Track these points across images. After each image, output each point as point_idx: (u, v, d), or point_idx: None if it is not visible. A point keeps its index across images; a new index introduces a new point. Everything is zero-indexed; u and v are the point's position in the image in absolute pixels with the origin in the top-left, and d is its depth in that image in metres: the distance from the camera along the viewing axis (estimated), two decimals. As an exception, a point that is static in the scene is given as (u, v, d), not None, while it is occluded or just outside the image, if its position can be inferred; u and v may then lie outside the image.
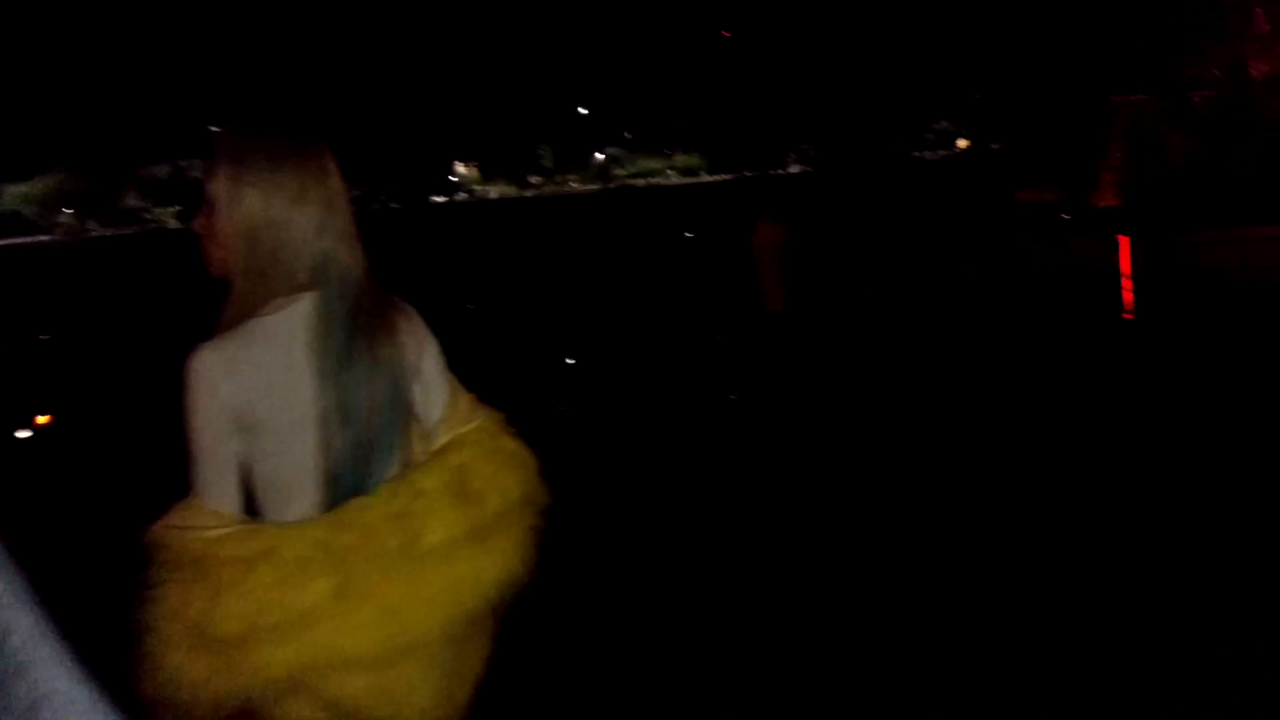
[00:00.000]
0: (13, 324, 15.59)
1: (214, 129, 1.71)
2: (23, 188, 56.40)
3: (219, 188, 1.63)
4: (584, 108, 64.02)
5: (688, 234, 25.02)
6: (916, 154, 59.10)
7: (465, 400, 1.82)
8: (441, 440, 1.78)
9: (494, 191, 77.18)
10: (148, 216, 61.47)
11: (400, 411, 1.73)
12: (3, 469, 7.55)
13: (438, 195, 61.00)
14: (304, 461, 1.65)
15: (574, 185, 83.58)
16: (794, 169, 66.44)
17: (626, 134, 72.10)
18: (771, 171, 65.05)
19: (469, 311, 13.95)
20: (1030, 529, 4.59)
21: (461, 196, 63.85)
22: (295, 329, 1.64)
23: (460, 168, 67.56)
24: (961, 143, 63.29)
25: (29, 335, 14.21)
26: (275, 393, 1.64)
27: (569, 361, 9.55)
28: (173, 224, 62.55)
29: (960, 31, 46.78)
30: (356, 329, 1.68)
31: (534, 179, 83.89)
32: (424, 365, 1.77)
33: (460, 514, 1.68)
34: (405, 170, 57.32)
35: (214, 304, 1.68)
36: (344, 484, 1.68)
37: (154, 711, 1.55)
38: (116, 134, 53.08)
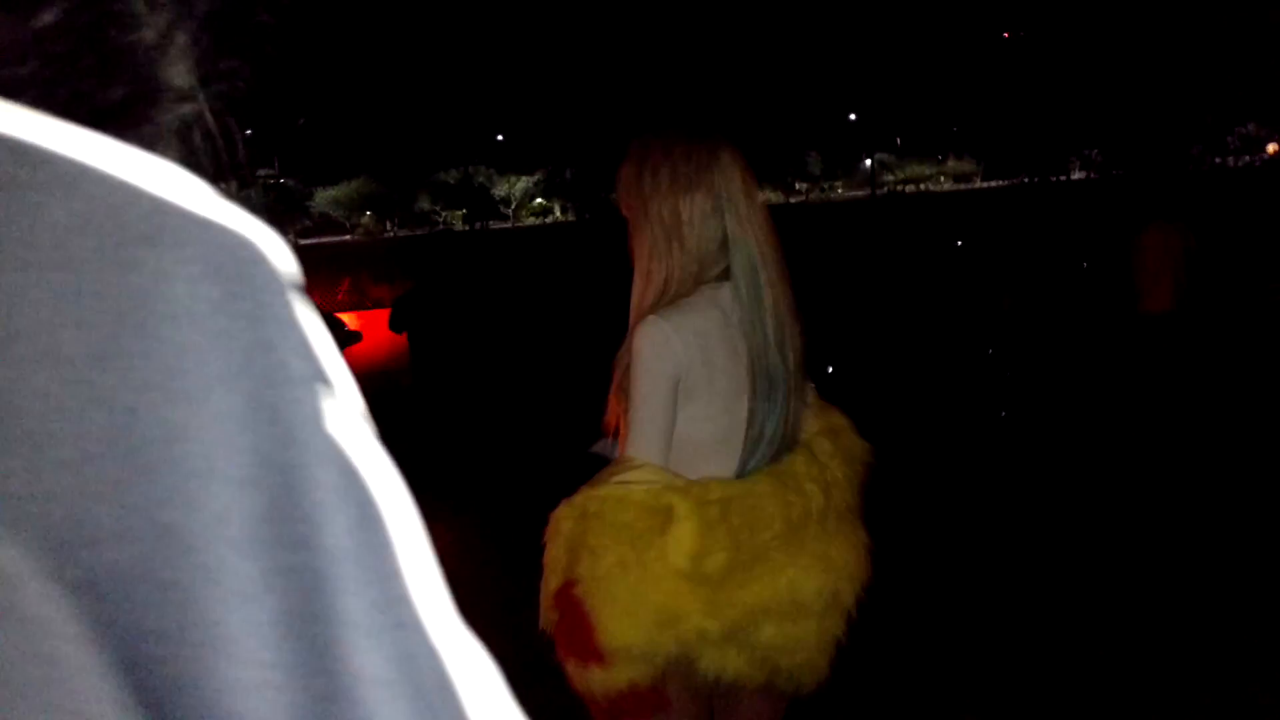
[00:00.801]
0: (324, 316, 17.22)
1: (635, 141, 1.94)
2: (331, 192, 61.73)
3: (632, 195, 1.89)
4: (854, 113, 63.19)
5: (959, 242, 24.25)
6: (1218, 160, 54.52)
7: (814, 393, 2.00)
8: (816, 423, 1.93)
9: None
10: (438, 219, 65.71)
11: (800, 390, 1.89)
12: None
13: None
14: (720, 431, 1.83)
15: (840, 191, 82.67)
16: (1077, 175, 62.94)
17: (897, 139, 70.59)
18: (1053, 178, 61.95)
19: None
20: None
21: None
22: (727, 309, 1.84)
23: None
24: (1272, 147, 57.96)
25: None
26: (707, 366, 1.81)
27: (829, 370, 9.58)
28: (459, 225, 66.66)
29: (1268, 24, 42.89)
30: (782, 314, 1.85)
31: (800, 185, 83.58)
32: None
33: (844, 494, 1.86)
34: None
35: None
36: (757, 456, 1.84)
37: (587, 663, 1.74)
38: (412, 143, 57.14)
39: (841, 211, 50.89)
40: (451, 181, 65.60)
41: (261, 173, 57.31)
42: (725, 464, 1.85)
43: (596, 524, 1.76)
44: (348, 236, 56.89)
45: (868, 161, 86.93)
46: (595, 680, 1.76)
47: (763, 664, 1.81)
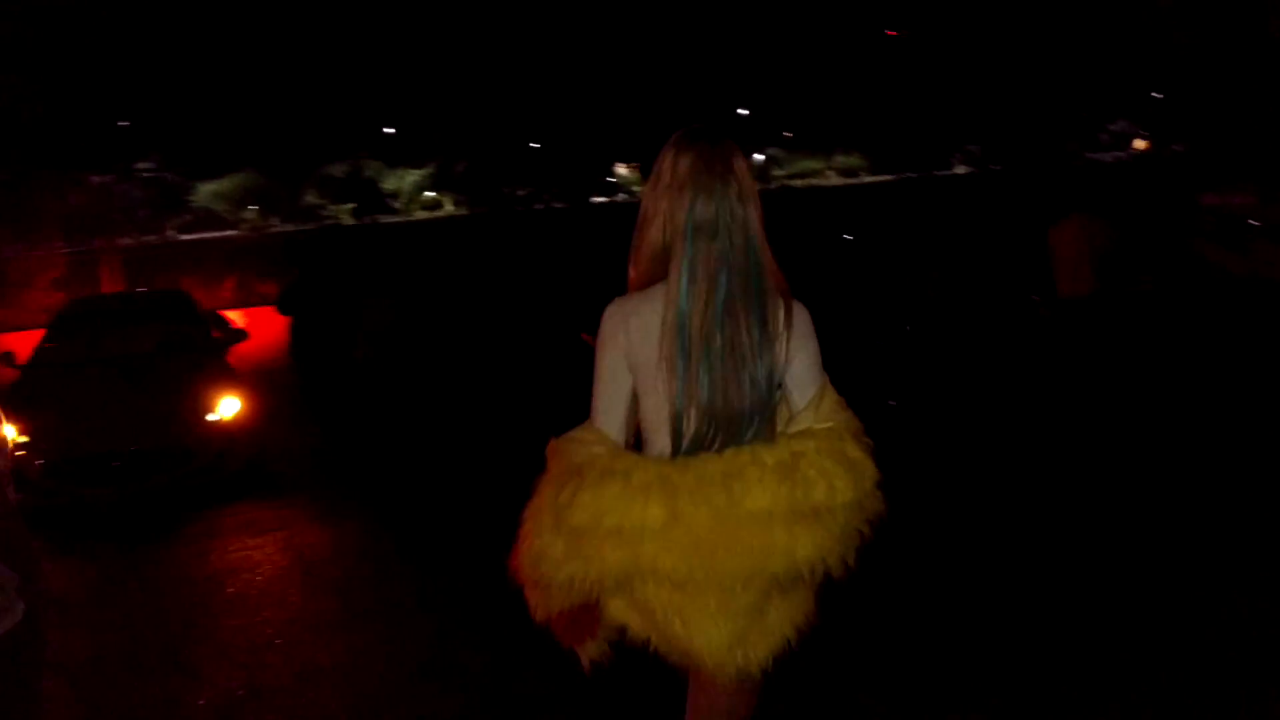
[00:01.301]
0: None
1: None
2: (214, 186, 59.81)
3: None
4: (743, 108, 63.84)
5: (847, 236, 24.71)
6: (1091, 155, 56.71)
7: (830, 401, 2.14)
8: (796, 428, 2.12)
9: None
10: (325, 213, 64.26)
11: (763, 393, 2.05)
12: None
13: (598, 196, 61.83)
14: (660, 410, 2.06)
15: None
16: (960, 170, 64.68)
17: (786, 134, 71.53)
18: (936, 173, 63.45)
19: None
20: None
21: (621, 197, 64.57)
22: (662, 304, 2.04)
23: (620, 169, 68.29)
24: (1139, 144, 60.49)
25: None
26: (649, 348, 2.06)
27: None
28: (348, 220, 65.19)
29: (1137, 27, 44.74)
30: (714, 321, 2.01)
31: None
32: (795, 358, 2.11)
33: (784, 492, 1.97)
34: (569, 171, 58.32)
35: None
36: (694, 440, 2.03)
37: (526, 587, 2.09)
38: (297, 136, 55.73)
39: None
40: (339, 175, 64.17)
41: (140, 166, 55.17)
42: (661, 445, 2.13)
43: (548, 466, 2.14)
44: (231, 232, 55.19)
45: (757, 156, 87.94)
46: (529, 603, 2.14)
47: (653, 628, 2.08)
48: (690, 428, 2.06)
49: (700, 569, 1.96)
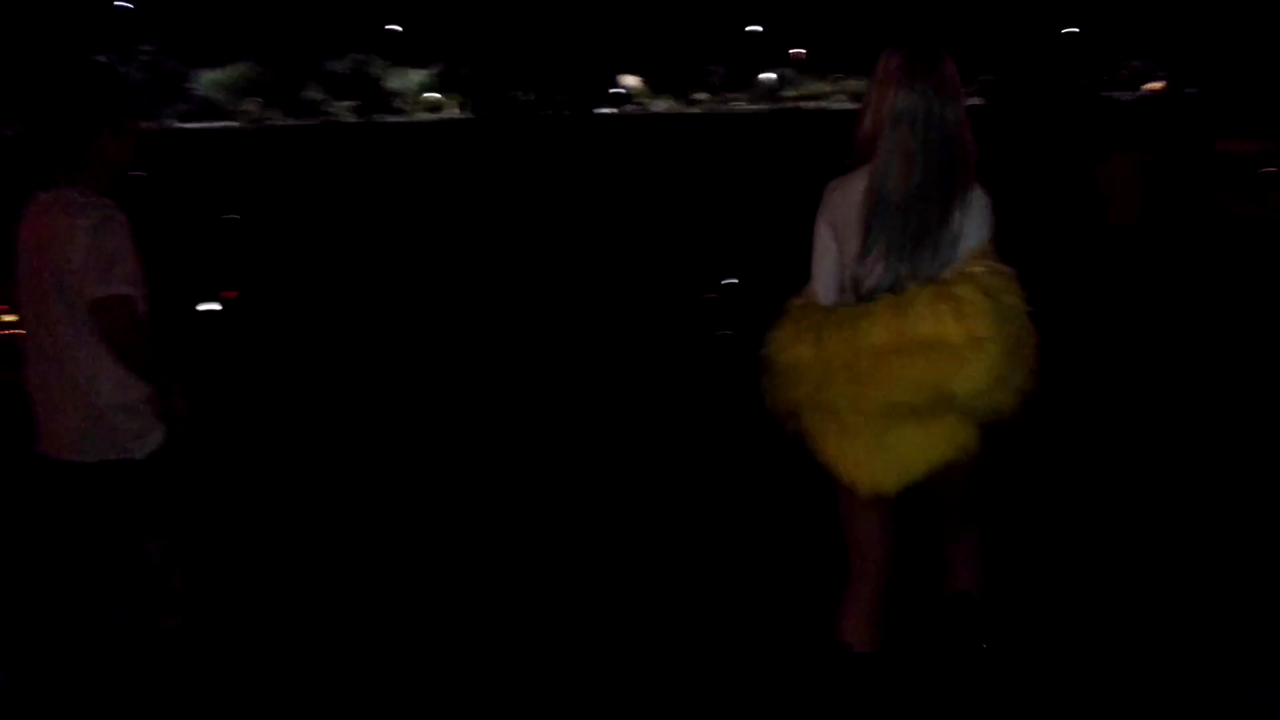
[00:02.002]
0: (204, 204, 16.48)
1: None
2: (215, 75, 58.79)
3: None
4: (756, 25, 62.66)
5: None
6: (1106, 94, 55.93)
7: (984, 260, 2.47)
8: (959, 272, 2.44)
9: (660, 105, 76.75)
10: (327, 110, 63.42)
11: (937, 259, 2.42)
12: (191, 337, 8.15)
13: (605, 107, 60.92)
14: (848, 271, 2.48)
15: (742, 104, 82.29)
16: (974, 101, 63.81)
17: (797, 52, 70.29)
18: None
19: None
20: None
21: (629, 109, 63.65)
22: (863, 184, 2.47)
23: (628, 79, 67.30)
24: (1153, 85, 59.56)
25: (218, 215, 15.01)
26: (850, 213, 2.48)
27: (729, 282, 9.60)
28: (349, 118, 64.37)
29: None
30: (906, 196, 2.42)
31: (699, 95, 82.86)
32: (970, 235, 2.47)
33: (896, 325, 2.34)
34: (575, 80, 57.33)
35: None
36: (864, 292, 2.45)
37: (771, 381, 2.57)
38: (301, 27, 54.66)
39: (751, 124, 50.88)
40: (342, 71, 63.16)
41: (141, 49, 54.10)
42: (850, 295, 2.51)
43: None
44: (232, 123, 54.44)
45: (767, 75, 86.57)
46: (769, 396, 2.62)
47: (817, 453, 2.51)
48: (869, 281, 2.45)
49: (840, 396, 2.39)
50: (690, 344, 7.65)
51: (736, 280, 9.64)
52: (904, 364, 2.29)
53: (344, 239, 14.36)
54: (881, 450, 2.34)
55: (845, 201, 2.52)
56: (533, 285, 10.44)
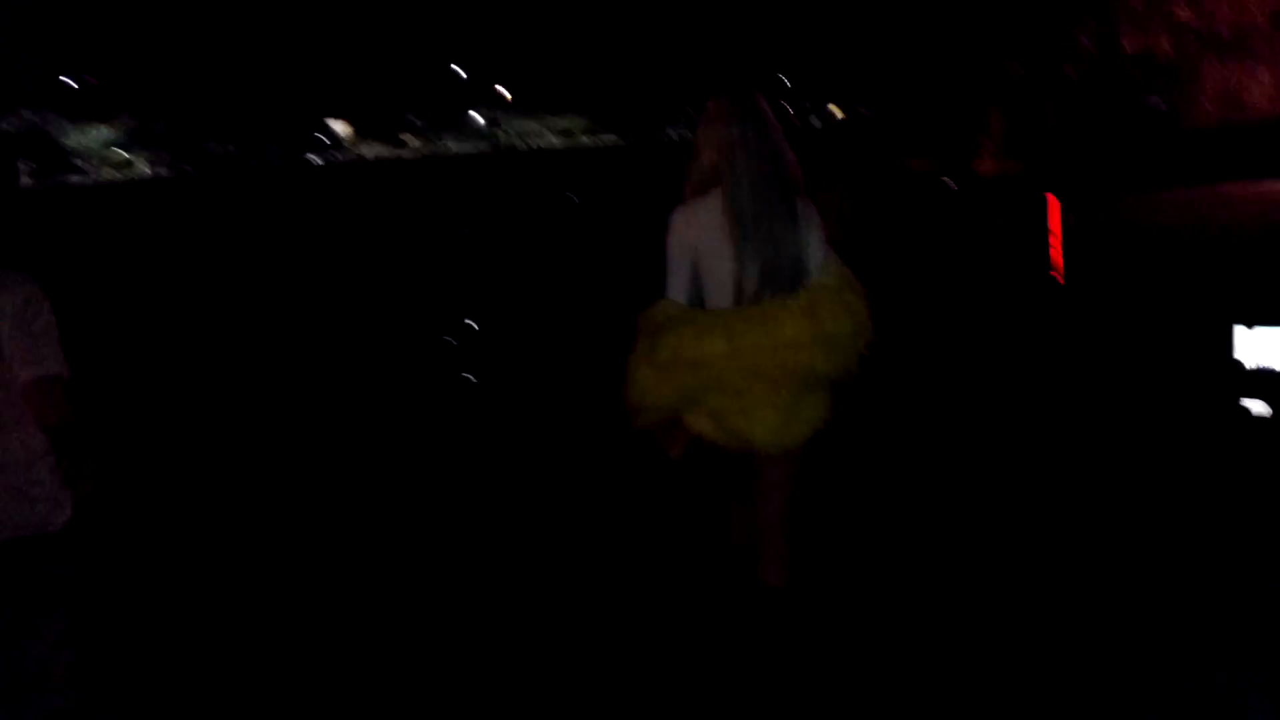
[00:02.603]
0: None
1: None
2: None
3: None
4: (460, 67, 62.84)
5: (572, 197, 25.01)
6: (800, 123, 59.78)
7: (834, 264, 3.02)
8: (812, 282, 2.98)
9: (370, 152, 75.44)
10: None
11: (792, 261, 2.95)
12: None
13: (314, 155, 59.16)
14: (724, 277, 2.93)
15: (451, 146, 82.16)
16: (674, 135, 66.58)
17: (504, 93, 71.06)
18: (653, 137, 65.06)
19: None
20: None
21: (339, 156, 62.07)
22: (717, 207, 2.93)
23: (335, 125, 65.63)
24: (834, 109, 64.17)
25: None
26: (712, 234, 2.93)
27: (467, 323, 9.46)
28: (25, 181, 59.14)
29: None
30: (758, 212, 2.91)
31: (409, 139, 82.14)
32: (810, 236, 3.00)
33: (806, 325, 2.90)
34: (282, 127, 55.35)
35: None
36: (746, 295, 2.93)
37: (630, 412, 2.95)
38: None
39: (455, 166, 50.67)
40: (11, 129, 58.17)
41: None
42: (725, 301, 2.96)
43: (639, 328, 2.97)
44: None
45: (474, 115, 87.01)
46: (633, 421, 3.00)
47: (721, 428, 2.92)
48: (749, 286, 2.91)
49: (752, 380, 2.89)
50: (437, 388, 7.40)
51: (473, 323, 9.50)
52: (814, 354, 2.92)
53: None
54: (793, 417, 2.94)
55: (699, 224, 2.96)
56: (263, 352, 9.83)
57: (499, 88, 69.17)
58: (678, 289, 2.97)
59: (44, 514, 2.61)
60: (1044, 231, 8.71)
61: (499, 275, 12.83)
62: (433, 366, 8.18)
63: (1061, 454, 4.93)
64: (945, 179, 17.89)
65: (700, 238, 2.96)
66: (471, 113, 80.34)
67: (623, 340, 3.01)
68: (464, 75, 59.12)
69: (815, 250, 3.03)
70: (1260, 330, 4.84)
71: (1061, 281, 8.47)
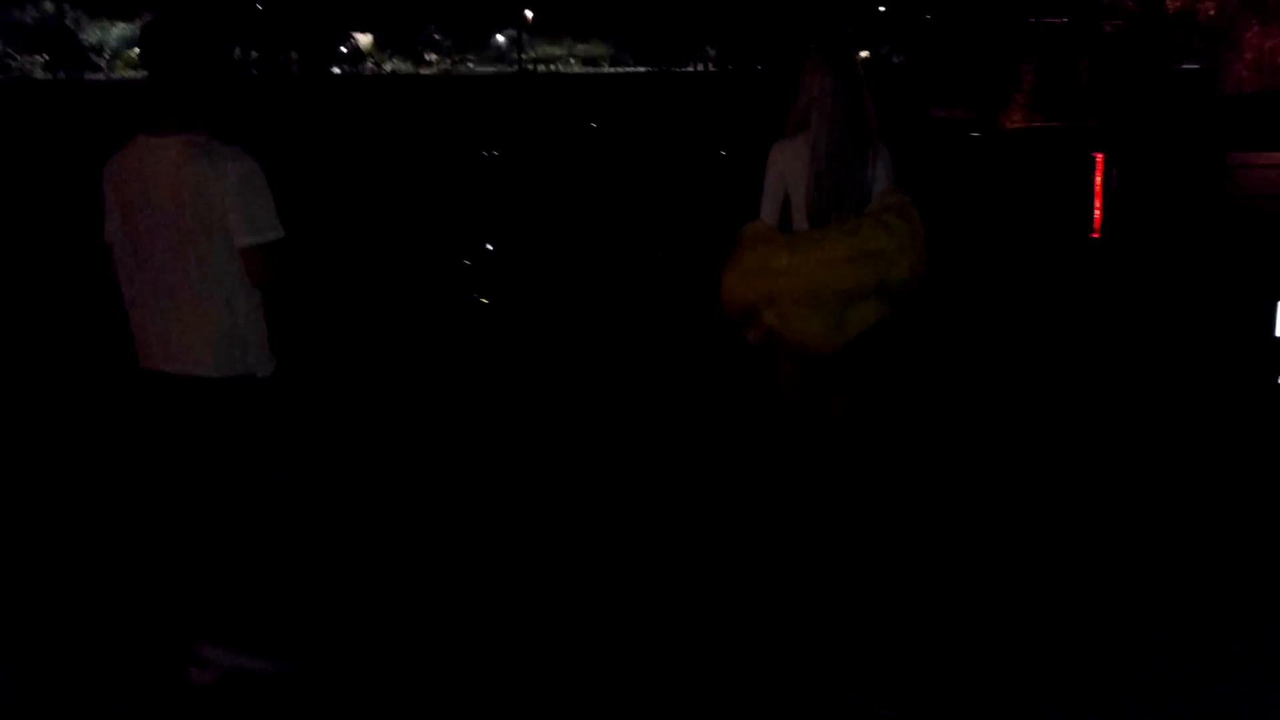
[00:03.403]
0: None
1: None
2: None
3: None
4: (487, -14, 61.85)
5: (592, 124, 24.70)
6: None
7: (894, 195, 3.61)
8: (871, 209, 3.59)
9: (389, 66, 74.52)
10: (11, 62, 57.73)
11: (858, 195, 3.57)
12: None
13: (337, 66, 58.48)
14: (801, 206, 3.59)
15: (471, 66, 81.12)
16: (698, 68, 65.67)
17: (528, 14, 70.01)
18: (675, 69, 64.21)
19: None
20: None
21: (360, 69, 61.35)
22: (805, 144, 3.55)
23: (359, 37, 64.81)
24: (862, 53, 63.33)
25: None
26: (794, 171, 3.60)
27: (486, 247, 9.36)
28: (39, 73, 58.62)
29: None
30: (834, 154, 3.55)
31: (431, 56, 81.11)
32: (877, 176, 3.60)
33: (849, 243, 3.48)
34: (303, 37, 54.63)
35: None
36: (816, 221, 3.57)
37: (722, 304, 3.62)
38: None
39: (477, 85, 50.05)
40: (28, 20, 57.48)
41: None
42: (803, 224, 3.60)
43: (738, 239, 3.61)
44: (-104, 77, 48.29)
45: (498, 37, 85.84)
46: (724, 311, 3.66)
47: (786, 327, 3.52)
48: (819, 213, 3.53)
49: (807, 291, 3.48)
50: (451, 311, 7.33)
51: (492, 247, 9.40)
52: (856, 268, 3.48)
53: (36, 205, 12.95)
54: (840, 322, 3.54)
55: (791, 158, 3.60)
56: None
57: (526, 11, 68.12)
58: (768, 211, 3.65)
59: (258, 359, 3.12)
60: (1088, 190, 8.52)
61: (516, 199, 12.69)
62: (446, 286, 8.11)
63: (1090, 425, 4.85)
64: (972, 133, 17.60)
65: (790, 169, 3.62)
66: (497, 35, 79.25)
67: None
68: (489, -6, 58.24)
69: (880, 186, 3.65)
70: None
71: (1098, 238, 8.32)
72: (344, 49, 64.74)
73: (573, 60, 78.77)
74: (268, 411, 3.19)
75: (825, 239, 3.50)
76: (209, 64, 2.96)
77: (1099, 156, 8.37)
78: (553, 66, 76.55)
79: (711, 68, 65.31)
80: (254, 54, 53.38)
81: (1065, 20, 19.93)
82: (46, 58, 58.32)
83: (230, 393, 3.11)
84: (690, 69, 66.50)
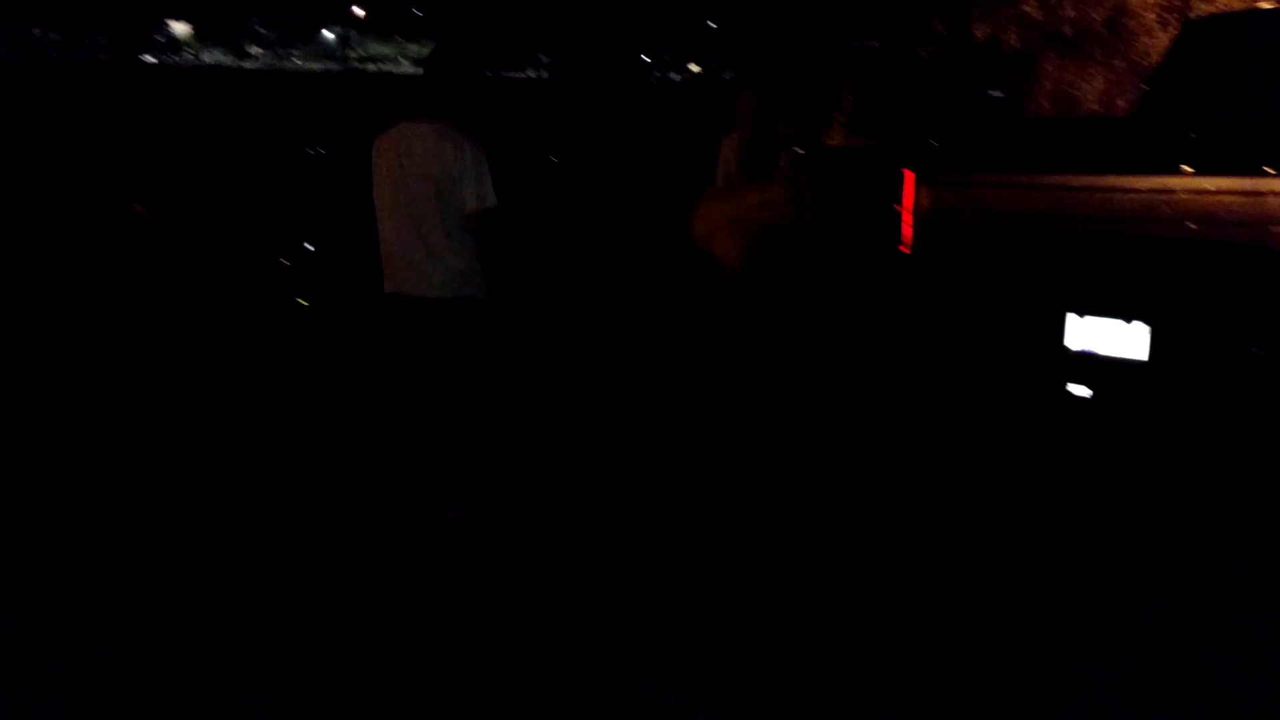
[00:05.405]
0: None
1: None
2: None
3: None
4: (314, -20, 60.01)
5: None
6: (659, 75, 59.71)
7: (790, 169, 5.87)
8: (775, 175, 6.12)
9: (209, 58, 71.24)
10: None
11: (766, 165, 6.12)
12: None
13: (149, 55, 55.56)
14: (733, 173, 6.87)
15: (296, 61, 78.39)
16: (529, 74, 65.37)
17: (358, 11, 68.30)
18: (506, 74, 63.63)
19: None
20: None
21: (176, 60, 58.49)
22: (737, 136, 6.67)
23: (176, 26, 61.72)
24: (693, 66, 64.33)
25: None
26: (730, 155, 6.96)
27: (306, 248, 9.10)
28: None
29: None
30: (754, 139, 6.40)
31: (254, 50, 77.96)
32: (780, 157, 6.22)
33: (757, 194, 5.96)
34: (115, 21, 51.65)
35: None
36: (744, 181, 6.15)
37: (692, 237, 6.25)
38: None
39: (301, 83, 48.39)
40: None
41: None
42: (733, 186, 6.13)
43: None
44: None
45: (325, 33, 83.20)
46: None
47: (719, 253, 5.80)
48: (744, 178, 6.21)
49: (730, 227, 5.76)
50: (272, 314, 7.10)
51: (312, 247, 9.12)
52: (760, 211, 5.63)
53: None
54: (748, 250, 5.51)
55: (729, 147, 6.15)
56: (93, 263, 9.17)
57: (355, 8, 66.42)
58: (720, 177, 6.29)
59: (477, 287, 4.57)
60: (895, 205, 8.84)
61: (340, 196, 12.31)
62: (268, 290, 7.82)
63: (896, 422, 5.07)
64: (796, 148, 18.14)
65: (729, 153, 6.22)
66: (324, 30, 76.80)
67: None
68: (317, -11, 56.54)
69: (781, 163, 5.79)
70: (1089, 319, 5.06)
71: (908, 254, 8.64)
72: (159, 37, 61.54)
73: (403, 60, 77.21)
74: (483, 327, 4.60)
75: (746, 192, 5.86)
76: (462, 78, 4.58)
77: (909, 174, 8.71)
78: (381, 66, 74.80)
79: (545, 75, 65.12)
80: (53, 36, 50.09)
81: (878, 49, 20.80)
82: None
83: (456, 311, 4.47)
84: (522, 75, 66.12)
